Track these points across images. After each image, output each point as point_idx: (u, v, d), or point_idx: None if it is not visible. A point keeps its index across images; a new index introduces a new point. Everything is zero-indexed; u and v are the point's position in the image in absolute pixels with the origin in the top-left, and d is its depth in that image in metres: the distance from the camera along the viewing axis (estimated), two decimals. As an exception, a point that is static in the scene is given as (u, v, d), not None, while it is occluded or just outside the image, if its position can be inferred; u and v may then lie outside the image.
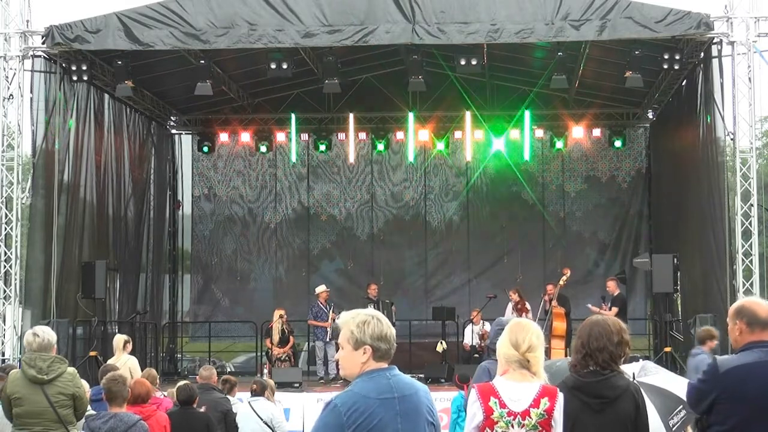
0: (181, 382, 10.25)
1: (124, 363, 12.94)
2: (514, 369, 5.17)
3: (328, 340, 19.41)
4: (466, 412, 5.43)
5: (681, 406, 6.96)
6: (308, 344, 21.26)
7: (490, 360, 7.27)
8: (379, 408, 4.31)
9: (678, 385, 7.19)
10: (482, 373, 6.98)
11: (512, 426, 5.06)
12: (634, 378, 6.40)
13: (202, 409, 10.03)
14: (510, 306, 19.01)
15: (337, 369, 19.43)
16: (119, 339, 13.64)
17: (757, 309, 5.29)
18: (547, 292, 19.01)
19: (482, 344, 18.62)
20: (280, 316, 19.53)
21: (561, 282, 18.75)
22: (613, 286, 18.66)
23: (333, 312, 19.24)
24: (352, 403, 4.31)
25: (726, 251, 15.81)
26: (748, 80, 16.20)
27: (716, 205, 16.20)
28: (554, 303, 18.56)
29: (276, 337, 19.34)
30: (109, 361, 13.24)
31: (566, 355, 18.80)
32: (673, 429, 6.87)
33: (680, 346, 17.74)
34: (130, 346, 13.50)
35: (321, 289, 19.99)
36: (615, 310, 17.72)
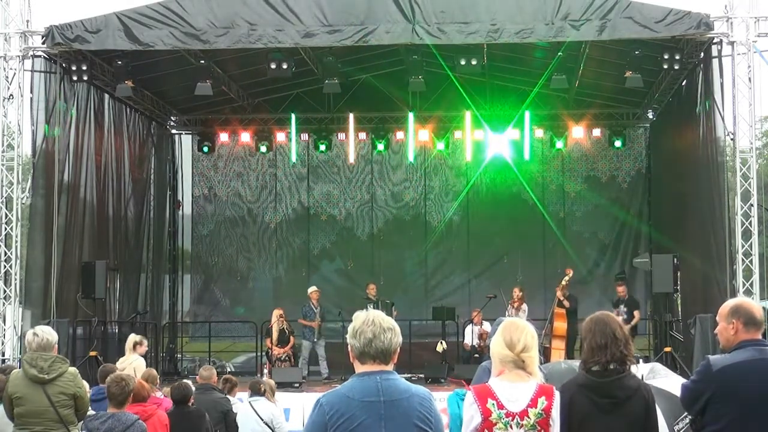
0: (176, 382, 10.25)
1: (130, 363, 12.95)
2: (510, 369, 5.14)
3: (315, 340, 19.55)
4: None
5: (685, 414, 6.94)
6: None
7: (491, 360, 7.27)
8: (360, 410, 4.30)
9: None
10: (483, 373, 6.97)
11: (511, 426, 5.04)
12: (642, 379, 6.38)
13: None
14: (523, 306, 19.01)
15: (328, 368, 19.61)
16: (130, 339, 13.61)
17: (753, 309, 5.33)
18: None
19: (481, 344, 18.65)
20: (280, 316, 19.57)
21: (563, 282, 18.77)
22: (622, 291, 18.96)
23: (319, 316, 19.50)
24: (335, 403, 4.33)
25: (726, 251, 15.80)
26: (748, 80, 16.19)
27: (716, 205, 16.19)
28: (555, 303, 18.62)
29: (274, 336, 19.37)
30: (120, 360, 13.30)
31: (566, 356, 18.86)
32: (679, 435, 6.85)
33: (680, 346, 17.74)
34: (141, 348, 13.37)
35: (312, 289, 20.14)
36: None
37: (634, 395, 5.22)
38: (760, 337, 5.28)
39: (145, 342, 13.66)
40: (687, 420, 6.82)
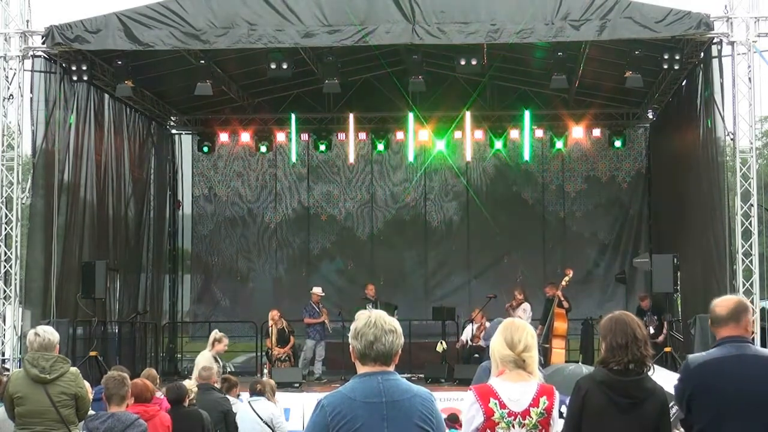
0: (171, 383, 10.28)
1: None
2: (510, 369, 5.15)
3: (319, 339, 19.57)
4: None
5: (672, 403, 6.98)
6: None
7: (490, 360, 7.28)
8: (362, 411, 4.29)
9: (669, 382, 7.19)
10: (483, 373, 6.98)
11: (513, 426, 5.05)
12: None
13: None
14: (523, 306, 19.00)
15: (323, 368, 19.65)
16: (211, 336, 13.72)
17: (716, 307, 5.39)
18: (546, 293, 19.11)
19: (474, 343, 18.65)
20: (280, 316, 19.55)
21: (563, 283, 18.77)
22: (646, 304, 18.91)
23: (325, 308, 19.57)
24: (336, 404, 4.32)
25: (726, 251, 15.80)
26: (748, 80, 16.18)
27: (716, 205, 16.19)
28: (555, 303, 18.63)
29: (273, 337, 19.35)
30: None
31: (567, 355, 18.89)
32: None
33: (680, 346, 17.74)
34: (219, 345, 13.42)
35: (317, 290, 20.08)
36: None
37: (651, 397, 5.21)
38: (739, 333, 5.28)
39: (225, 340, 13.64)
40: (674, 409, 6.87)
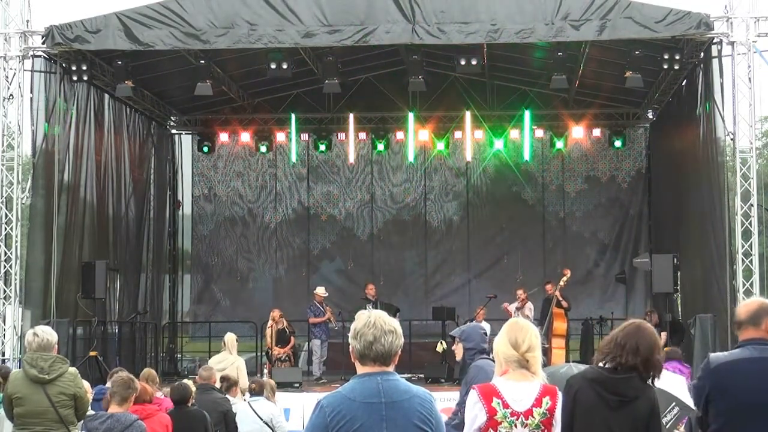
0: (176, 383, 10.28)
1: (232, 363, 13.11)
2: (514, 369, 5.15)
3: (324, 339, 19.55)
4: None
5: (674, 404, 6.96)
6: (308, 344, 21.28)
7: (483, 359, 7.29)
8: (361, 412, 4.29)
9: (671, 383, 7.18)
10: (480, 372, 6.99)
11: (515, 426, 5.05)
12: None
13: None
14: (528, 305, 19.00)
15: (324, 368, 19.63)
16: (233, 337, 13.79)
17: (738, 310, 5.41)
18: (546, 291, 19.11)
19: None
20: (280, 316, 19.54)
21: (561, 283, 18.77)
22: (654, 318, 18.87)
23: (329, 306, 19.58)
24: (336, 405, 4.31)
25: (726, 251, 15.81)
26: (748, 80, 16.19)
27: (716, 205, 16.20)
28: (553, 303, 18.62)
29: (268, 339, 19.33)
30: (216, 357, 13.71)
31: (567, 355, 18.88)
32: (666, 426, 6.87)
33: (680, 346, 17.72)
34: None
35: (321, 290, 20.01)
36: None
37: (642, 396, 5.20)
38: (760, 335, 5.28)
39: None
40: (675, 410, 6.86)
